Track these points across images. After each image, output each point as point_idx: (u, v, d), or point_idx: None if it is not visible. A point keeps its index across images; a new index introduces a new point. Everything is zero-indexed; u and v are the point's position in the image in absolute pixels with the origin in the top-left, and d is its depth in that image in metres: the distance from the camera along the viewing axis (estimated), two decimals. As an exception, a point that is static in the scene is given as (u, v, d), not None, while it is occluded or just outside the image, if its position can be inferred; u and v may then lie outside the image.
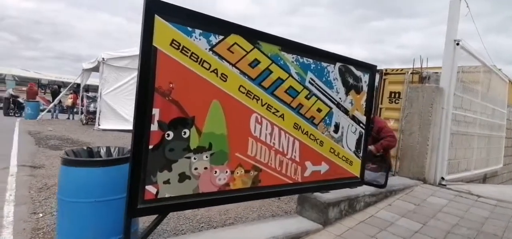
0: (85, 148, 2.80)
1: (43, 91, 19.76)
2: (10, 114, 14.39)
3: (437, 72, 5.13)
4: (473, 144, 6.00)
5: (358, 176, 3.81)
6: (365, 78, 3.70)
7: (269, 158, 2.88)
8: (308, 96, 3.12)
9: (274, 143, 2.89)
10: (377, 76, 10.22)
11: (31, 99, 14.62)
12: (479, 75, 5.87)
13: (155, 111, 2.14)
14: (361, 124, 3.74)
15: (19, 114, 14.19)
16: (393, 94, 8.25)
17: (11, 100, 14.71)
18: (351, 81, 3.54)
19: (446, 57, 4.63)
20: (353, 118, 3.64)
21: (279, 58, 2.83)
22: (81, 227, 2.32)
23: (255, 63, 2.66)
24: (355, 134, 3.70)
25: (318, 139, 3.28)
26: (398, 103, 7.58)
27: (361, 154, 3.80)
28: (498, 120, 7.72)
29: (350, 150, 3.67)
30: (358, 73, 3.60)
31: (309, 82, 3.11)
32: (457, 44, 4.56)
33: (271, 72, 2.78)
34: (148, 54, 2.07)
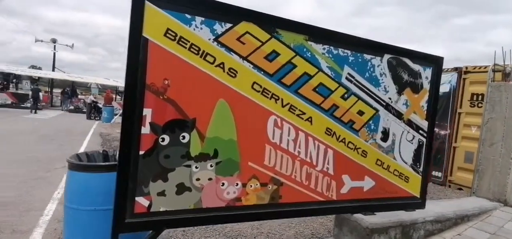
0: (101, 151, 2.70)
1: (120, 97, 22.09)
2: (92, 117, 16.25)
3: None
4: None
5: (417, 195, 3.05)
6: (426, 73, 2.95)
7: (293, 170, 2.40)
8: (345, 95, 2.55)
9: (299, 152, 2.40)
10: (455, 75, 8.72)
11: (108, 104, 16.34)
12: None
13: (147, 112, 1.87)
14: (420, 131, 2.99)
15: (98, 118, 15.93)
16: (475, 96, 6.89)
17: (92, 105, 16.67)
18: (405, 77, 2.84)
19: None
20: (409, 124, 2.92)
21: (305, 50, 2.34)
22: (81, 238, 2.18)
23: (273, 55, 2.23)
24: (412, 143, 2.96)
25: (359, 148, 2.67)
26: (481, 106, 6.25)
27: (421, 169, 3.04)
28: None
29: (406, 163, 2.95)
30: (415, 67, 2.88)
31: (347, 78, 2.55)
32: None
33: (294, 66, 2.31)
34: (137, 46, 1.81)
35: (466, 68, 8.56)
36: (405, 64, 2.82)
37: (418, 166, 3.02)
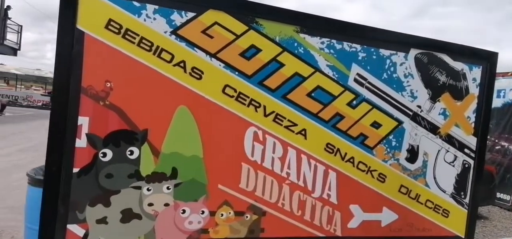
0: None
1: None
2: None
3: None
4: None
5: (462, 235, 2.30)
6: (473, 74, 2.22)
7: (280, 196, 1.89)
8: (354, 102, 1.98)
9: (288, 174, 1.89)
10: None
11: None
12: None
13: (83, 121, 1.55)
14: (466, 150, 2.25)
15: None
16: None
17: None
18: (442, 78, 2.16)
19: None
20: (449, 140, 2.22)
21: (296, 44, 1.85)
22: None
23: (252, 51, 1.78)
24: (453, 166, 2.25)
25: (374, 170, 2.06)
26: None
27: (467, 200, 2.29)
28: None
29: (444, 191, 2.24)
30: (457, 66, 2.18)
31: (356, 80, 1.98)
32: None
33: (281, 65, 1.83)
34: (69, 41, 1.50)
35: None
36: (442, 61, 2.14)
37: (463, 197, 2.28)
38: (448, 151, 2.22)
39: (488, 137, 8.37)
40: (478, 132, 2.25)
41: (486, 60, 2.23)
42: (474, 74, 2.22)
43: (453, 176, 2.25)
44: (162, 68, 1.64)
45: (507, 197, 7.76)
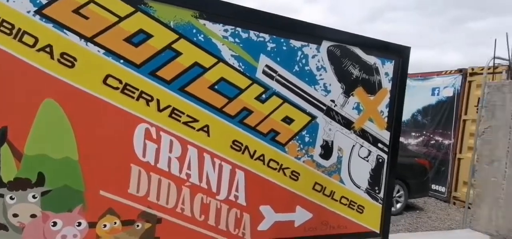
0: None
1: None
2: None
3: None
4: None
5: (376, 230, 2.29)
6: (386, 68, 2.21)
7: (179, 201, 1.70)
8: (263, 96, 1.85)
9: (188, 175, 1.71)
10: (459, 78, 7.83)
11: None
12: None
13: None
14: (380, 145, 2.24)
15: None
16: (479, 102, 6.00)
17: None
18: (356, 72, 2.11)
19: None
20: (363, 135, 2.19)
21: (194, 31, 1.66)
22: None
23: (140, 37, 1.56)
24: (368, 161, 2.22)
25: (286, 168, 1.96)
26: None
27: (381, 194, 2.29)
28: None
29: (358, 187, 2.21)
30: (370, 59, 2.15)
31: (265, 72, 1.85)
32: None
33: (177, 53, 1.64)
34: None
35: (472, 69, 7.69)
36: (355, 55, 2.10)
37: (377, 192, 2.27)
38: (362, 146, 2.20)
39: (424, 132, 9.00)
40: (391, 127, 2.25)
41: (398, 54, 2.24)
42: (386, 68, 2.21)
43: (368, 171, 2.23)
44: (24, 54, 1.37)
45: (442, 189, 8.35)
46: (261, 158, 1.89)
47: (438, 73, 8.33)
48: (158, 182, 1.65)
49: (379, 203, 2.28)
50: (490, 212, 2.88)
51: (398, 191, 6.60)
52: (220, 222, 1.80)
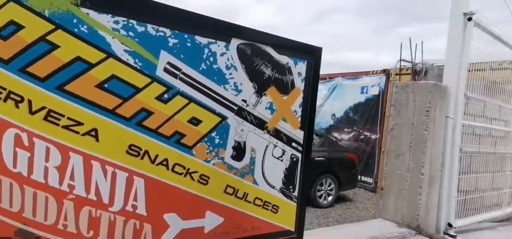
0: None
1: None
2: None
3: (442, 66, 3.49)
4: (505, 169, 4.22)
5: (291, 229, 2.31)
6: (298, 68, 2.22)
7: (60, 216, 1.49)
8: (165, 95, 1.71)
9: (71, 186, 1.50)
10: (384, 78, 8.52)
11: None
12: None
13: None
14: (294, 144, 2.25)
15: None
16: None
17: None
18: (268, 72, 2.08)
19: (453, 40, 3.03)
20: (277, 135, 2.17)
21: (76, 21, 1.45)
22: None
23: (9, 29, 1.32)
24: (282, 160, 2.22)
25: (194, 172, 1.85)
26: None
27: (296, 193, 2.31)
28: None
29: (273, 187, 2.19)
30: (282, 59, 2.14)
31: (167, 70, 1.71)
32: (469, 19, 2.94)
33: (54, 46, 1.41)
34: None
35: (400, 70, 8.40)
36: (267, 54, 2.07)
37: (292, 190, 2.28)
38: (276, 146, 2.18)
39: (355, 128, 9.65)
40: (305, 126, 2.28)
41: (311, 54, 2.26)
42: (299, 68, 2.22)
43: (282, 170, 2.23)
44: None
45: (370, 180, 9.03)
46: (164, 163, 1.75)
47: (366, 73, 8.96)
48: (33, 196, 1.42)
49: (294, 201, 2.30)
50: (396, 202, 3.13)
51: (330, 185, 6.93)
52: (115, 235, 1.63)
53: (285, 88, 2.17)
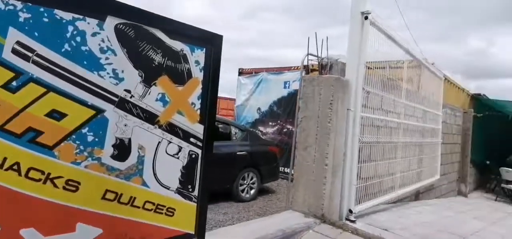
0: None
1: None
2: None
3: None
4: (397, 156, 4.74)
5: (191, 232, 2.12)
6: (196, 56, 2.03)
7: None
8: (14, 83, 1.36)
9: None
10: (303, 73, 8.90)
11: None
12: (405, 69, 4.63)
13: None
14: (192, 139, 2.06)
15: None
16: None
17: None
18: (158, 59, 1.84)
19: (352, 38, 3.22)
20: (172, 129, 1.95)
21: None
22: None
23: None
24: (178, 158, 2.01)
25: (58, 177, 1.52)
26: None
27: (196, 192, 2.12)
28: (431, 124, 6.70)
29: (167, 188, 1.97)
30: (176, 45, 1.92)
31: (16, 51, 1.35)
32: (366, 18, 3.15)
33: None
34: None
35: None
36: (156, 38, 1.82)
37: (191, 190, 2.09)
38: (170, 142, 1.96)
39: (278, 122, 9.93)
40: (205, 119, 2.11)
41: (210, 42, 2.09)
42: (197, 57, 2.03)
43: (179, 169, 2.02)
44: None
45: (292, 171, 9.41)
46: (15, 167, 1.40)
47: (289, 68, 9.27)
48: None
49: (194, 202, 2.11)
50: (305, 193, 3.21)
51: (252, 179, 6.97)
52: None
53: (180, 77, 1.96)
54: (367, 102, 4.07)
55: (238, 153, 6.38)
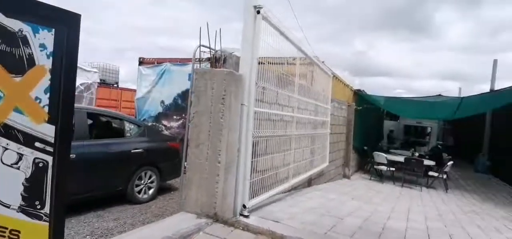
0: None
1: None
2: None
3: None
4: (292, 147, 5.03)
5: (42, 258, 1.71)
6: (41, 38, 1.61)
7: None
8: None
9: None
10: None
11: None
12: (298, 65, 4.91)
13: None
14: (38, 144, 1.64)
15: None
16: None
17: None
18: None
19: (246, 31, 3.19)
20: (7, 132, 1.51)
21: None
22: None
23: None
24: (19, 168, 1.57)
25: None
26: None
27: (47, 210, 1.71)
28: (322, 117, 7.37)
29: (7, 206, 1.53)
30: (12, 24, 1.47)
31: None
32: (258, 12, 3.16)
33: None
34: None
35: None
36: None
37: (39, 207, 1.68)
38: (6, 148, 1.52)
39: (183, 115, 9.54)
40: (57, 118, 1.70)
41: (63, 22, 1.69)
42: (42, 39, 1.61)
43: (20, 182, 1.59)
44: None
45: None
46: None
47: (189, 60, 8.93)
48: None
49: (44, 221, 1.70)
50: (197, 193, 3.06)
51: (150, 177, 6.51)
52: None
53: (18, 65, 1.52)
54: (264, 97, 4.14)
55: (132, 151, 5.81)
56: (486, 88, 15.77)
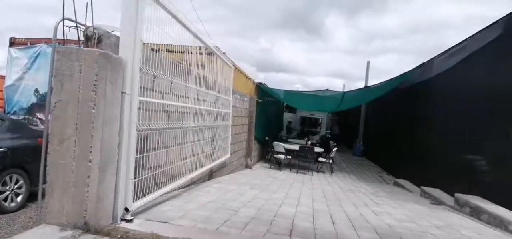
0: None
1: None
2: None
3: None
4: (190, 140, 4.78)
5: None
6: None
7: None
8: None
9: None
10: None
11: None
12: (195, 54, 4.65)
13: None
14: None
15: None
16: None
17: None
18: None
19: (126, 9, 2.75)
20: None
21: None
22: None
23: None
24: None
25: None
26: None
27: None
28: (223, 109, 7.29)
29: None
30: None
31: None
32: (140, -15, 2.77)
33: None
34: None
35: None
36: None
37: None
38: None
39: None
40: None
41: None
42: None
43: None
44: None
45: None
46: None
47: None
48: None
49: None
50: (62, 200, 2.53)
51: (18, 182, 5.36)
52: None
53: None
54: (154, 85, 3.75)
55: (-10, 152, 4.66)
56: (362, 85, 18.68)
